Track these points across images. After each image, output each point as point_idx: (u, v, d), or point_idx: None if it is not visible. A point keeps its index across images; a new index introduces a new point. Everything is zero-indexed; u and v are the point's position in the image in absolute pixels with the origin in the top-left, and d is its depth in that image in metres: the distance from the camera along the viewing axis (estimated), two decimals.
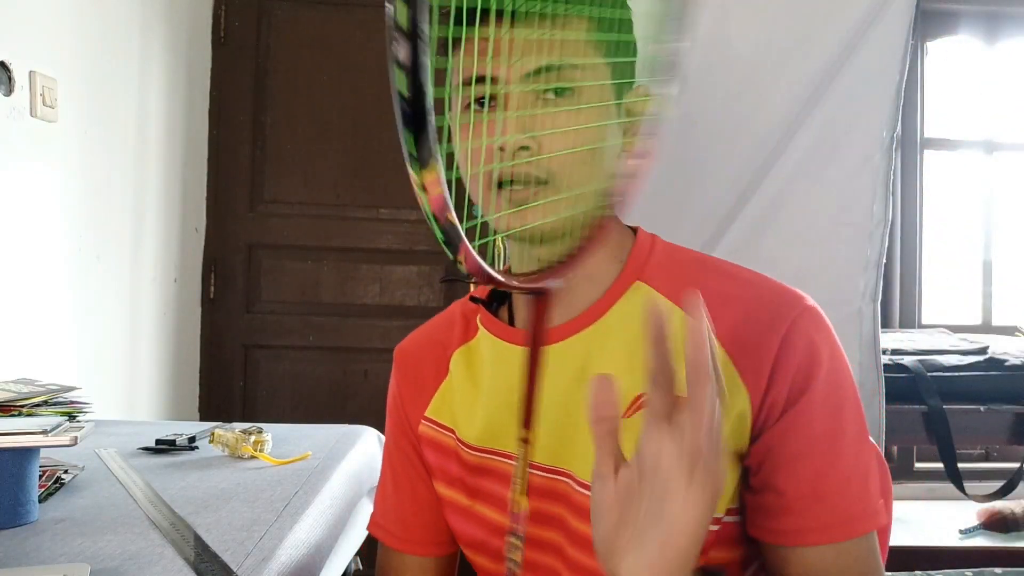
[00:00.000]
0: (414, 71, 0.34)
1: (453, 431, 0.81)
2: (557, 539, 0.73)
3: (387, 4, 0.33)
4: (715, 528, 0.68)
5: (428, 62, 0.35)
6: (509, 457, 0.76)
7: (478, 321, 0.82)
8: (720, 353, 0.68)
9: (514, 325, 0.79)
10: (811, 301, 0.70)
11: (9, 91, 1.45)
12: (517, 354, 0.76)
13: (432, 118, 0.35)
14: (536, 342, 0.54)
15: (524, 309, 0.79)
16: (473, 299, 0.83)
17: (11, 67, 1.46)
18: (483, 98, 0.68)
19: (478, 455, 0.78)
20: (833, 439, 0.67)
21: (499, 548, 0.77)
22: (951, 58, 2.73)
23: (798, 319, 0.68)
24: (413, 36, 0.33)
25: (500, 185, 0.68)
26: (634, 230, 0.80)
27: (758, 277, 0.73)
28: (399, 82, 0.34)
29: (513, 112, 0.66)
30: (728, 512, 0.68)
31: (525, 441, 0.57)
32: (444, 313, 0.90)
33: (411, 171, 0.38)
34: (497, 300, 0.83)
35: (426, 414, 0.83)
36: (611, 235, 0.76)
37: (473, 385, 0.80)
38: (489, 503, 0.77)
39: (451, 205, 0.39)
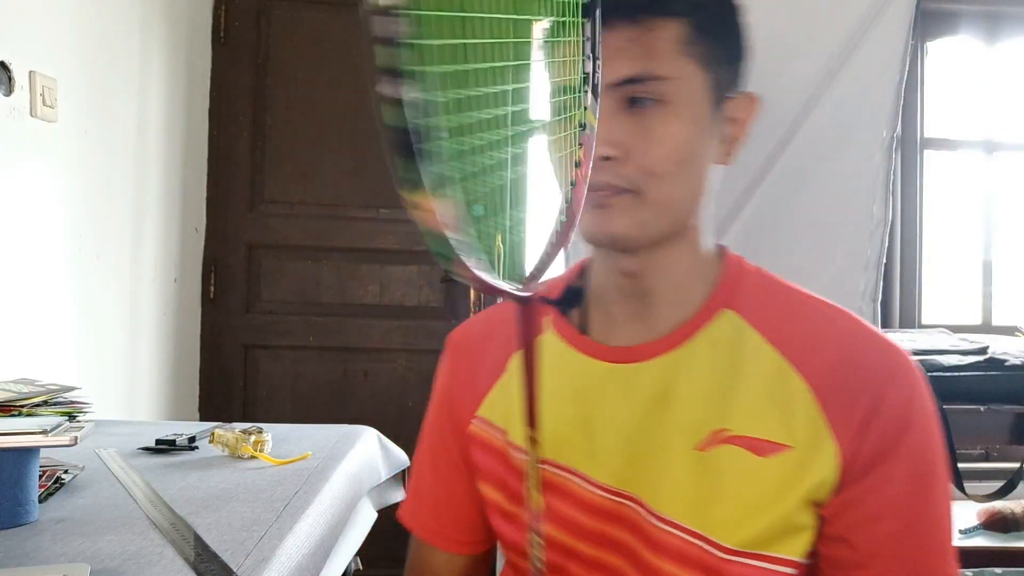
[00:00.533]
0: (412, 108, 0.35)
1: (504, 431, 0.78)
2: (623, 567, 0.71)
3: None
4: (792, 572, 0.66)
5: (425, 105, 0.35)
6: (567, 470, 0.73)
7: (546, 323, 0.79)
8: (808, 400, 0.66)
9: (585, 333, 0.76)
10: (910, 356, 0.68)
11: (9, 91, 1.45)
12: (587, 366, 0.74)
13: (428, 149, 0.36)
14: (529, 345, 0.53)
15: (603, 320, 0.75)
16: (544, 299, 0.79)
17: (11, 67, 1.46)
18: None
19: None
20: (916, 502, 0.65)
21: (547, 558, 0.74)
22: (951, 58, 2.73)
23: (898, 374, 0.66)
24: (409, 78, 0.34)
25: (591, 190, 0.66)
26: (720, 250, 0.76)
27: (855, 322, 0.70)
28: (393, 118, 0.34)
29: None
30: (807, 555, 0.67)
31: (533, 440, 0.56)
32: (503, 306, 0.85)
33: (414, 197, 0.37)
34: (567, 304, 0.79)
35: (478, 413, 0.80)
36: (697, 253, 0.73)
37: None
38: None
39: (457, 221, 0.39)
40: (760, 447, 0.66)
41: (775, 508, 0.65)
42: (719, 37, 0.69)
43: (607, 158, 0.65)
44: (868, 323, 0.70)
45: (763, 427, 0.66)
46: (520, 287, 0.48)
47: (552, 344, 0.77)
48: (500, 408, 0.79)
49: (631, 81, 0.65)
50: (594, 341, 0.75)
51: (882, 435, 0.64)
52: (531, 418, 0.55)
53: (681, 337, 0.71)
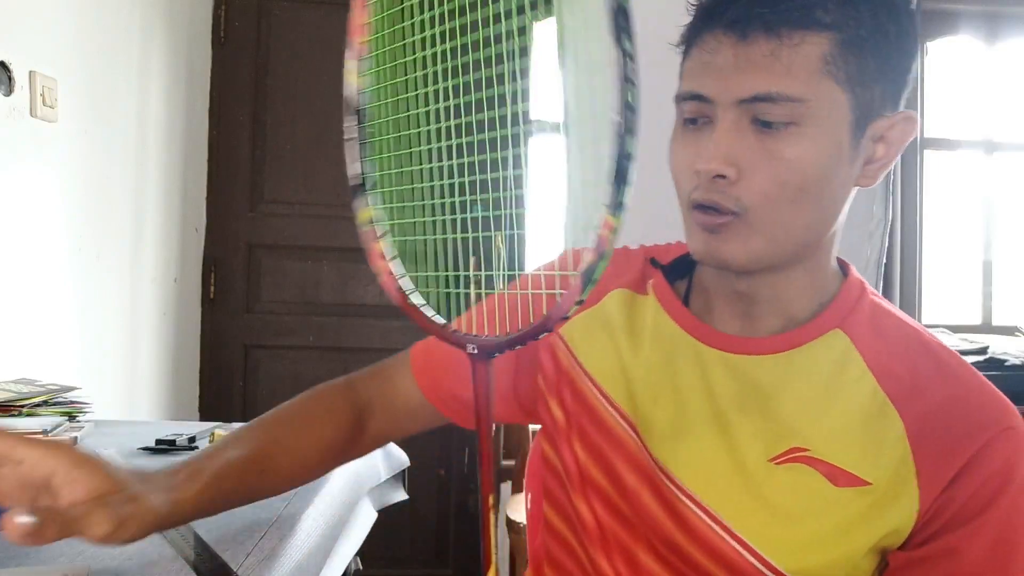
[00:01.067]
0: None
1: (573, 352, 0.75)
2: (672, 559, 0.67)
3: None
4: None
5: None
6: (627, 420, 0.70)
7: (650, 287, 0.75)
8: (901, 441, 0.63)
9: (688, 306, 0.73)
10: (1020, 419, 0.63)
11: (9, 91, 1.45)
12: (681, 341, 0.70)
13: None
14: (486, 414, 0.51)
15: (703, 305, 0.72)
16: (654, 262, 0.76)
17: (11, 67, 1.46)
18: (695, 117, 0.64)
19: (595, 393, 0.72)
20: (997, 573, 0.61)
21: (564, 505, 0.73)
22: (951, 58, 2.73)
23: (1002, 435, 0.61)
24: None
25: (700, 208, 0.63)
26: (844, 269, 0.72)
27: (966, 369, 0.66)
28: (631, 144, 0.45)
29: (713, 138, 0.62)
30: None
31: (494, 508, 0.52)
32: (625, 251, 0.81)
33: (620, 220, 0.46)
34: (676, 274, 0.75)
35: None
36: (817, 272, 0.69)
37: (628, 334, 0.73)
38: (583, 440, 0.72)
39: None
40: (837, 476, 0.63)
41: (840, 545, 0.62)
42: (869, 53, 0.61)
43: (720, 176, 0.62)
44: (979, 372, 0.66)
45: (846, 457, 0.63)
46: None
47: (654, 311, 0.73)
48: (577, 332, 0.75)
49: (761, 99, 0.60)
50: (695, 318, 0.71)
51: (973, 495, 0.60)
52: (485, 486, 0.52)
53: (786, 344, 0.68)
